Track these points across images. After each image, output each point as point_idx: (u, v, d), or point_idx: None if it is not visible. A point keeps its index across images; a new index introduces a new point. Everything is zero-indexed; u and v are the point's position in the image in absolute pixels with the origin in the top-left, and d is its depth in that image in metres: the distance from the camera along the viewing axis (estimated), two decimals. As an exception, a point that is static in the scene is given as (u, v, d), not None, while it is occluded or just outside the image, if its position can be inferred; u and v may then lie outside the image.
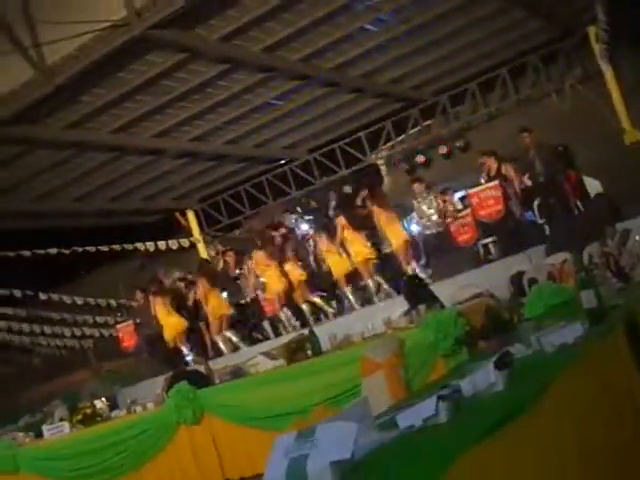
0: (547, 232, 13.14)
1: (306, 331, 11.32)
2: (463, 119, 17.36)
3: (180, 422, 10.60)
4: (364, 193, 14.89)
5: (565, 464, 3.30)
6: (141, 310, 15.87)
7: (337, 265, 14.22)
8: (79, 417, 12.14)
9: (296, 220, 18.22)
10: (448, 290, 10.84)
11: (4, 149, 14.01)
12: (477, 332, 8.00)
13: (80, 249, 17.31)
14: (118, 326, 17.08)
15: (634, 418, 4.19)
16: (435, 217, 14.92)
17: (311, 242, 16.10)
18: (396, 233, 13.94)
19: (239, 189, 19.33)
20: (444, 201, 14.99)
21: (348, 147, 18.05)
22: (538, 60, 16.19)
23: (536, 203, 13.76)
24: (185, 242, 18.91)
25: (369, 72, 15.90)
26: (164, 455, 10.90)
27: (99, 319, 18.82)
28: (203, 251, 19.15)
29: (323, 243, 14.57)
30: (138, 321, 16.14)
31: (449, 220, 14.59)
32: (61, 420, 12.31)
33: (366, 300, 13.82)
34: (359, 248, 13.98)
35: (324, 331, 11.40)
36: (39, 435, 12.33)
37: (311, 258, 15.61)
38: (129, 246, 18.21)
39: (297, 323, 14.05)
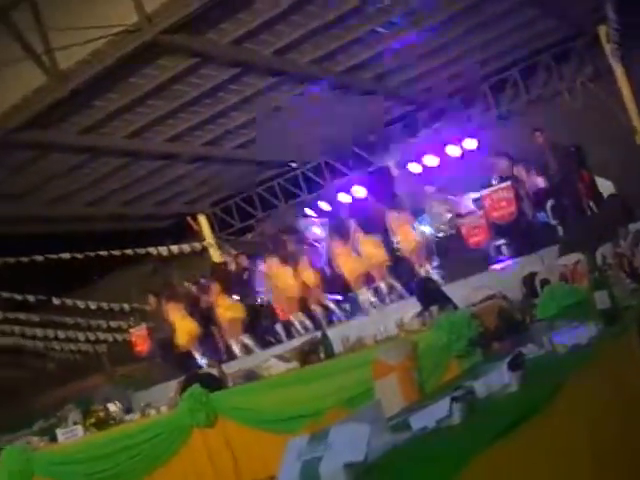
0: (560, 233, 13.10)
1: (319, 334, 11.33)
2: (474, 120, 17.32)
3: (194, 425, 10.61)
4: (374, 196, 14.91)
5: (578, 465, 3.29)
6: (154, 314, 15.90)
7: (350, 268, 14.21)
8: (92, 421, 12.17)
9: (308, 223, 18.22)
10: (461, 292, 10.82)
11: (18, 154, 14.07)
12: (490, 333, 8.01)
13: (93, 254, 17.37)
14: (131, 330, 17.08)
15: (648, 418, 4.17)
16: (447, 219, 14.89)
17: (323, 245, 16.10)
18: (408, 235, 13.92)
19: (251, 193, 19.36)
20: (455, 203, 14.96)
21: (359, 150, 18.03)
22: (549, 60, 16.15)
23: (549, 204, 13.72)
24: (197, 246, 18.94)
25: (380, 74, 15.89)
26: (178, 459, 10.91)
27: (112, 324, 18.84)
28: (215, 255, 19.17)
29: (335, 246, 14.57)
30: (151, 325, 16.17)
31: (460, 222, 14.55)
32: (75, 424, 12.33)
33: (379, 302, 13.80)
34: (371, 250, 13.96)
35: (337, 334, 11.40)
36: (53, 439, 12.36)
37: (323, 261, 15.61)
38: (142, 250, 18.26)
39: (310, 326, 14.06)
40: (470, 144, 17.12)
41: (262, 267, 15.71)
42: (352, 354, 10.30)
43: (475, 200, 15.18)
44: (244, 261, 16.30)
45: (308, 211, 18.55)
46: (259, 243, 18.26)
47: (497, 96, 16.84)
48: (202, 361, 14.55)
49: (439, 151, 17.42)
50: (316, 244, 16.36)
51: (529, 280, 10.21)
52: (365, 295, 13.93)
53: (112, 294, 19.06)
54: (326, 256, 15.58)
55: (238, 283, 15.66)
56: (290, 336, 14.32)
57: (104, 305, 18.65)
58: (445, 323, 8.79)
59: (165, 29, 11.17)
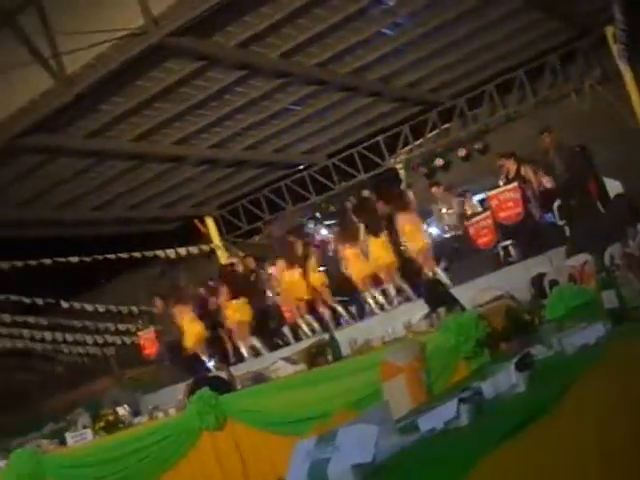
0: (567, 233, 13.07)
1: (326, 336, 11.32)
2: (481, 121, 17.32)
3: (202, 428, 10.60)
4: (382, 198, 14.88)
5: (587, 466, 3.28)
6: (161, 317, 15.91)
7: (357, 270, 14.19)
8: (101, 424, 12.17)
9: (315, 225, 18.23)
10: (469, 293, 10.79)
11: (25, 159, 14.11)
12: (498, 334, 7.99)
13: (101, 257, 17.40)
14: (140, 333, 17.10)
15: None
16: (454, 220, 14.87)
17: (331, 247, 16.10)
18: (416, 236, 13.91)
19: (258, 195, 19.38)
20: (463, 204, 14.94)
21: (366, 151, 18.05)
22: (556, 61, 16.13)
23: (556, 204, 13.69)
24: (205, 248, 18.96)
25: (386, 76, 15.90)
26: (187, 461, 10.90)
27: (121, 327, 18.86)
28: (223, 257, 19.18)
29: (343, 248, 14.56)
30: (159, 328, 16.18)
31: (468, 223, 14.52)
32: (84, 427, 12.35)
33: (386, 304, 13.79)
34: (380, 252, 13.95)
35: (344, 336, 11.39)
36: (63, 442, 12.38)
37: (331, 263, 15.60)
38: (149, 253, 18.28)
39: (318, 328, 14.05)
40: (477, 145, 17.12)
41: (269, 269, 15.71)
42: (360, 356, 10.28)
43: (482, 201, 15.17)
44: (251, 263, 16.29)
45: (316, 213, 18.58)
46: (266, 245, 18.27)
47: (504, 97, 16.82)
48: (210, 364, 14.55)
49: (446, 152, 17.42)
50: (323, 246, 16.34)
51: (538, 281, 10.19)
52: (372, 297, 13.92)
53: (120, 297, 19.09)
54: (334, 258, 15.58)
55: (246, 285, 15.65)
56: (298, 338, 14.32)
57: (112, 308, 18.67)
58: (453, 325, 8.77)
59: (172, 32, 11.20)
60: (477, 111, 17.22)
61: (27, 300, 17.46)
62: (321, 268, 14.91)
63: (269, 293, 15.78)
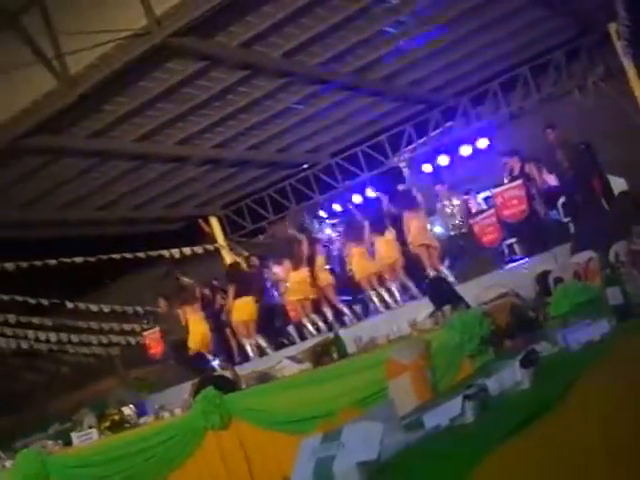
0: (572, 231, 13.06)
1: (331, 335, 11.32)
2: (485, 119, 17.30)
3: (207, 427, 10.59)
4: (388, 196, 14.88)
5: (592, 462, 3.27)
6: (166, 317, 15.93)
7: (362, 268, 14.21)
8: (107, 424, 12.18)
9: (320, 224, 18.24)
10: (473, 291, 10.79)
11: (28, 159, 14.13)
12: (503, 331, 7.99)
13: (105, 257, 17.42)
14: (145, 333, 17.13)
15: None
16: (459, 218, 14.87)
17: (336, 246, 16.11)
18: (422, 235, 13.92)
19: (262, 194, 19.39)
20: (467, 202, 14.94)
21: (370, 150, 18.04)
22: (560, 58, 16.10)
23: (560, 202, 13.69)
24: (210, 248, 18.97)
25: (389, 75, 15.89)
26: (192, 461, 10.90)
27: (126, 327, 18.88)
28: (227, 257, 19.19)
29: (349, 247, 14.57)
30: (164, 328, 16.20)
31: (472, 221, 14.52)
32: (90, 427, 12.36)
33: (391, 303, 13.79)
34: (386, 251, 13.96)
35: (349, 334, 11.40)
36: (68, 443, 12.39)
37: (336, 262, 15.61)
38: (154, 253, 18.29)
39: (323, 327, 14.06)
40: (481, 143, 17.10)
41: (275, 269, 15.73)
42: (365, 354, 10.28)
43: (486, 199, 15.17)
44: (255, 263, 16.30)
45: (320, 212, 18.58)
46: (271, 245, 18.27)
47: (508, 95, 16.79)
48: (215, 363, 14.56)
49: (450, 150, 17.40)
50: (328, 245, 16.36)
51: (542, 278, 10.17)
52: (377, 296, 13.93)
53: (125, 297, 19.11)
54: (338, 257, 15.58)
55: (252, 285, 15.67)
56: (303, 337, 14.33)
57: (117, 308, 18.69)
58: (457, 322, 8.77)
59: (174, 32, 11.21)
60: (481, 109, 17.19)
61: (32, 301, 17.49)
62: (327, 267, 14.93)
63: (274, 292, 15.81)
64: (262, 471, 10.32)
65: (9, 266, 16.17)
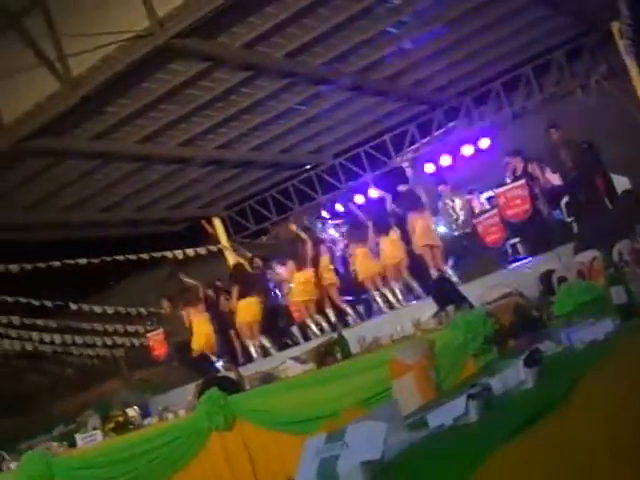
0: (575, 230, 13.05)
1: (335, 335, 11.32)
2: (487, 119, 17.30)
3: (212, 428, 10.61)
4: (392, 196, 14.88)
5: (596, 462, 3.27)
6: (169, 318, 15.94)
7: (366, 269, 14.21)
8: (111, 425, 12.20)
9: (323, 225, 18.23)
10: (477, 291, 10.79)
11: (32, 162, 14.14)
12: (506, 330, 7.99)
13: (109, 259, 17.44)
14: (148, 335, 17.15)
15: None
16: (462, 218, 14.87)
17: (339, 246, 16.11)
18: (427, 235, 13.91)
19: (265, 195, 19.39)
20: (470, 202, 14.94)
21: (373, 151, 18.05)
22: (562, 57, 16.09)
23: (564, 201, 13.68)
24: (213, 249, 18.98)
25: (392, 75, 15.88)
26: (197, 462, 10.91)
27: (130, 328, 18.90)
28: (231, 258, 19.20)
29: (353, 247, 14.57)
30: (168, 329, 16.21)
31: (475, 221, 14.52)
32: (94, 429, 12.37)
33: (395, 303, 13.79)
34: (391, 251, 13.97)
35: (353, 334, 11.39)
36: (73, 444, 12.41)
37: (339, 262, 15.61)
38: (157, 254, 18.30)
39: (326, 327, 14.06)
40: (483, 143, 17.10)
41: (278, 269, 15.73)
42: (368, 354, 10.28)
43: (489, 199, 15.17)
44: (259, 264, 16.31)
45: (323, 213, 18.58)
46: (274, 246, 18.28)
47: (510, 94, 16.79)
48: (219, 364, 14.57)
49: (453, 150, 17.40)
50: (332, 245, 16.35)
51: (546, 278, 10.17)
52: (381, 296, 13.93)
53: (129, 298, 19.13)
54: (342, 257, 15.59)
55: (256, 285, 15.68)
56: (306, 338, 14.34)
57: (121, 309, 18.71)
58: (461, 322, 8.77)
59: (177, 33, 11.21)
60: (483, 109, 17.19)
61: (36, 302, 17.52)
62: (330, 268, 14.92)
63: (278, 293, 15.81)
64: (266, 472, 10.33)
65: (13, 268, 16.21)
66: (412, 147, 18.12)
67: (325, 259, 14.86)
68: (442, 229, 15.30)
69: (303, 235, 14.89)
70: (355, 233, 14.75)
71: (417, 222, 13.98)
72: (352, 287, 14.99)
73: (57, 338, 17.87)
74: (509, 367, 4.07)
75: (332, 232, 17.70)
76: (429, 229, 14.17)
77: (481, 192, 15.53)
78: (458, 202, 15.01)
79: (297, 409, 10.01)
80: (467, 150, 17.37)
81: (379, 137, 18.05)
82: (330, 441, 3.24)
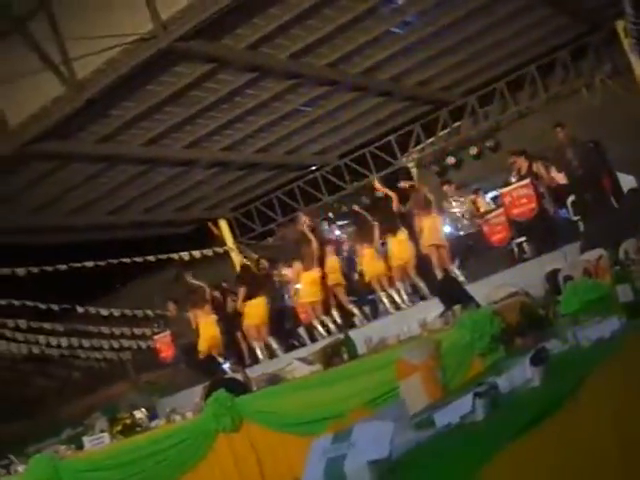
0: (581, 229, 13.02)
1: (342, 336, 11.31)
2: (492, 119, 17.28)
3: (219, 430, 10.60)
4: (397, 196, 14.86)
5: (604, 459, 3.26)
6: (176, 320, 15.94)
7: (373, 269, 14.19)
8: (119, 428, 12.20)
9: (329, 226, 18.22)
10: (483, 290, 10.76)
11: (37, 165, 14.17)
12: (513, 329, 7.97)
13: (115, 261, 17.45)
14: (155, 337, 17.14)
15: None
16: (467, 218, 14.85)
17: (345, 247, 16.08)
18: (434, 235, 13.90)
19: (271, 197, 19.40)
20: (475, 202, 14.92)
21: (378, 151, 18.05)
22: (567, 56, 16.08)
23: (570, 200, 13.65)
24: (219, 251, 18.99)
25: (397, 75, 15.89)
26: (204, 464, 10.90)
27: (136, 331, 18.89)
28: (237, 259, 19.20)
29: (360, 247, 14.55)
30: (175, 331, 16.21)
31: (481, 221, 14.50)
32: (102, 432, 12.37)
33: (401, 303, 13.77)
34: (398, 251, 13.95)
35: (360, 335, 11.38)
36: (80, 447, 12.41)
37: (345, 263, 15.59)
38: (163, 257, 18.32)
39: (333, 328, 14.04)
40: (488, 142, 17.08)
41: (284, 271, 15.72)
42: (375, 355, 10.26)
43: (494, 198, 15.15)
44: (265, 265, 16.30)
45: (329, 213, 18.58)
46: (280, 247, 18.28)
47: (515, 94, 16.78)
48: (226, 366, 14.57)
49: (458, 150, 17.38)
50: (338, 246, 16.33)
51: (552, 277, 10.15)
52: (387, 297, 13.91)
53: (135, 301, 19.13)
54: (348, 258, 15.56)
55: (262, 287, 15.67)
56: (313, 339, 14.32)
57: (128, 312, 18.70)
58: (468, 321, 8.76)
59: (181, 36, 11.23)
60: (488, 108, 17.18)
61: (43, 306, 17.52)
62: (336, 269, 14.89)
63: (284, 294, 15.80)
64: (273, 473, 10.32)
65: (20, 271, 16.22)
66: (417, 147, 18.13)
67: (331, 260, 14.82)
68: (447, 229, 15.26)
69: (310, 235, 14.84)
70: (361, 233, 14.72)
71: (425, 222, 13.95)
72: (358, 288, 14.97)
73: (64, 341, 17.88)
74: (516, 366, 4.06)
75: (338, 233, 17.69)
76: (437, 229, 14.13)
77: (486, 192, 15.51)
78: (463, 202, 14.98)
79: (304, 410, 10.00)
80: (472, 150, 17.36)
81: (384, 137, 18.05)
82: (337, 441, 3.24)
